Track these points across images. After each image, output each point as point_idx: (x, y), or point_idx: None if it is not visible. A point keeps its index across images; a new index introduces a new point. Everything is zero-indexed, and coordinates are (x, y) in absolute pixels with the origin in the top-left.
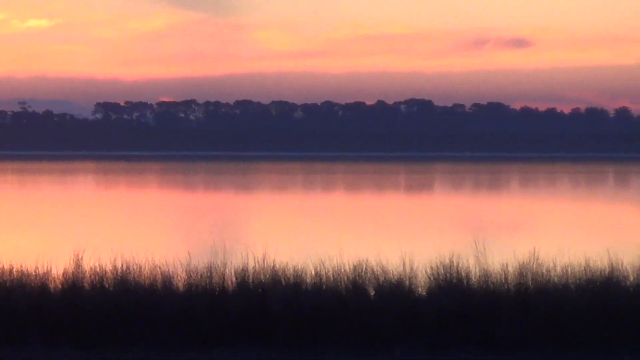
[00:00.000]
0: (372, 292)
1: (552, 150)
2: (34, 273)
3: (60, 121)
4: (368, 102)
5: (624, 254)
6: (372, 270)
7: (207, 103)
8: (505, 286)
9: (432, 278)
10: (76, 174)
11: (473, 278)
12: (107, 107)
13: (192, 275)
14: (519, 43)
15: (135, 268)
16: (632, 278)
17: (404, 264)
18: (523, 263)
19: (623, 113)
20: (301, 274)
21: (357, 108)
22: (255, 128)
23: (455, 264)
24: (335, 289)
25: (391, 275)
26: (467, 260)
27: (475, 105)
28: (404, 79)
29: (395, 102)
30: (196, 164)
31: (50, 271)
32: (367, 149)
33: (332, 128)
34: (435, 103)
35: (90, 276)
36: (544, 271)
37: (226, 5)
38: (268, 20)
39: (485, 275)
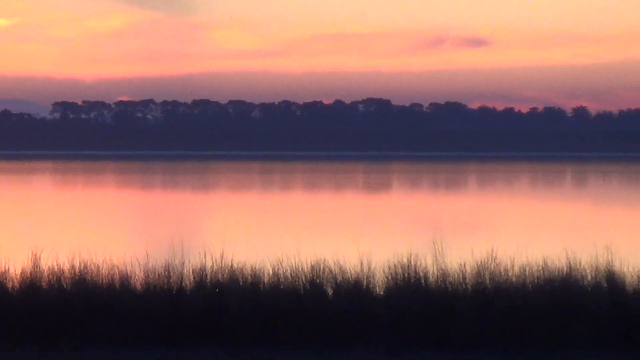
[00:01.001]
0: (330, 292)
1: (510, 149)
2: None
3: (18, 120)
4: (326, 102)
5: (581, 253)
6: (330, 269)
7: (165, 103)
8: (463, 286)
9: (390, 278)
10: (34, 174)
11: (431, 278)
12: (65, 107)
13: (150, 274)
14: (477, 42)
15: (93, 267)
16: (589, 278)
17: (361, 264)
18: (481, 263)
19: (581, 112)
20: (259, 273)
21: (314, 107)
22: (213, 128)
23: (413, 263)
24: (293, 289)
25: (349, 275)
26: (425, 260)
27: (433, 104)
28: (362, 78)
29: (353, 102)
30: (154, 164)
31: (8, 271)
32: (325, 148)
33: (290, 127)
34: (393, 102)
35: (48, 275)
36: (502, 271)
37: (184, 4)
38: (226, 19)
39: (444, 275)
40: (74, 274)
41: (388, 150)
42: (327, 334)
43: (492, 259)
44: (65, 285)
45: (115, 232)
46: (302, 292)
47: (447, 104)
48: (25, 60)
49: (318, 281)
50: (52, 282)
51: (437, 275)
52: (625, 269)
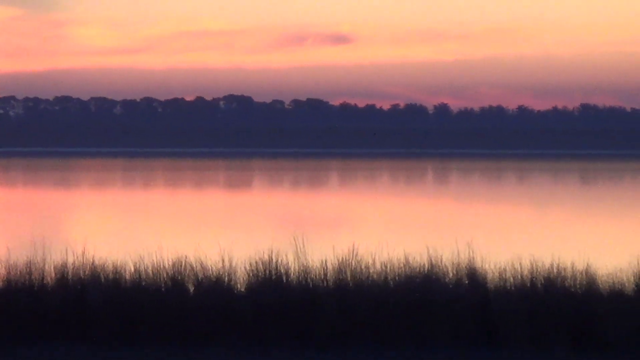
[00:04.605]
0: (192, 289)
1: (371, 146)
2: None
3: None
4: (187, 98)
5: (443, 250)
6: (192, 266)
7: (27, 99)
8: (325, 282)
9: (251, 274)
10: None
11: (292, 274)
12: None
13: (11, 270)
14: (339, 39)
15: None
16: (451, 275)
17: (223, 260)
18: (342, 259)
19: (442, 109)
20: (120, 269)
21: (176, 104)
22: (75, 124)
23: (274, 260)
24: (154, 285)
25: (210, 272)
26: (287, 257)
27: (295, 101)
28: (224, 75)
29: (214, 98)
30: (15, 160)
31: None
32: (187, 145)
33: (152, 124)
34: (255, 99)
35: None
36: (363, 267)
37: (46, 1)
38: (88, 16)
39: (305, 271)
40: None
41: (249, 147)
42: (188, 330)
43: (353, 255)
44: None
45: None
46: (163, 289)
47: (309, 100)
48: None
49: (179, 278)
50: None
51: (299, 272)
52: (486, 265)
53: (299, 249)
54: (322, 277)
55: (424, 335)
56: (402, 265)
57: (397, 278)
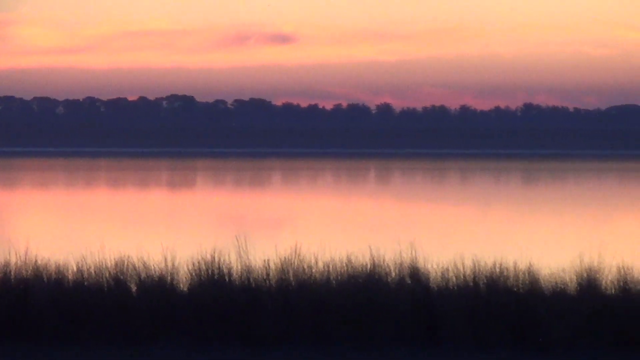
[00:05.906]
0: (134, 288)
1: (314, 146)
2: None
3: None
4: (130, 98)
5: (386, 250)
6: (134, 266)
7: None
8: (267, 282)
9: (193, 274)
10: None
11: (235, 274)
12: None
13: None
14: (282, 39)
15: None
16: (394, 275)
17: (165, 260)
18: (285, 259)
19: (384, 109)
20: (63, 269)
21: (119, 104)
22: (17, 124)
23: (217, 260)
24: (97, 285)
25: (153, 272)
26: (229, 257)
27: (238, 101)
28: (166, 75)
29: (157, 98)
30: None
31: None
32: (130, 144)
33: (94, 124)
34: (197, 99)
35: None
36: (305, 267)
37: None
38: (31, 16)
39: (248, 271)
40: None
41: (192, 147)
42: (131, 329)
43: (296, 255)
44: None
45: None
46: (106, 289)
47: (252, 100)
48: None
49: (122, 277)
50: None
51: (241, 272)
52: (429, 265)
53: (241, 249)
54: (265, 276)
55: (367, 334)
56: (344, 265)
57: (339, 278)
